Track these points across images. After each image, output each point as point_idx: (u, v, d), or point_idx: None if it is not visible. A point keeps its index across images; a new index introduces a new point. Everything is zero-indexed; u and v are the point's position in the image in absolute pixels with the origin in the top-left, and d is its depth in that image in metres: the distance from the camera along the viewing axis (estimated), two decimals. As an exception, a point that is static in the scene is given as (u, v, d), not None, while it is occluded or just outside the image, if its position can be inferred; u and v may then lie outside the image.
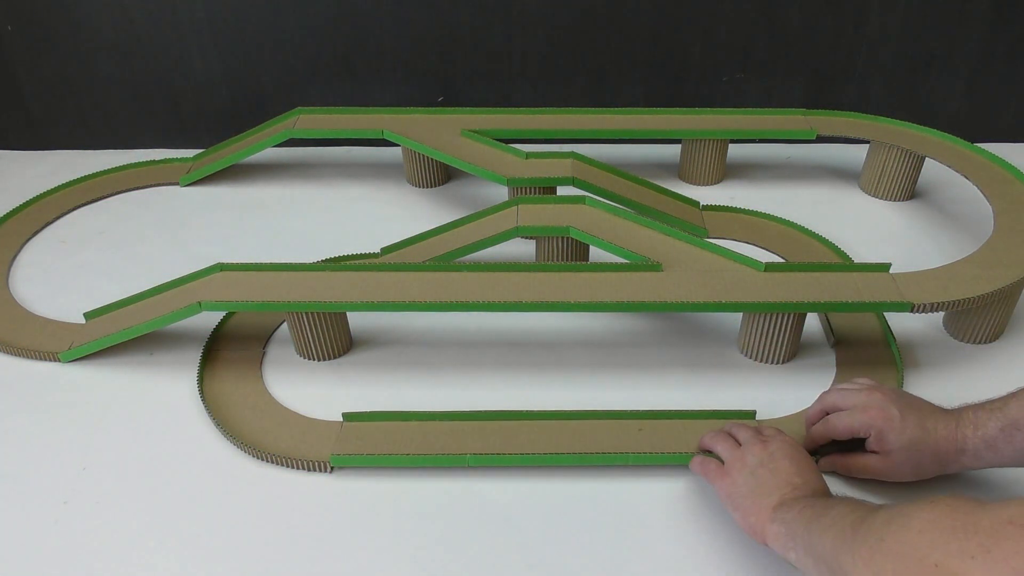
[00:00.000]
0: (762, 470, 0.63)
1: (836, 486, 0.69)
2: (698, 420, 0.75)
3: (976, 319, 0.86)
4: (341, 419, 0.76)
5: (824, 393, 0.72)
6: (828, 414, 0.70)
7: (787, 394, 0.80)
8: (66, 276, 1.00)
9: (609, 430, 0.74)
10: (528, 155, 1.06)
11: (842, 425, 0.68)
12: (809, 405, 0.78)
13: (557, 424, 0.75)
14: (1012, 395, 0.63)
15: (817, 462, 0.72)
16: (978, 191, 1.00)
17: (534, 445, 0.73)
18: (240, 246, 1.06)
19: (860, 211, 1.13)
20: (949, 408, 0.66)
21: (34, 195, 1.15)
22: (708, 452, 0.70)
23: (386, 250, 0.96)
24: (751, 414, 0.76)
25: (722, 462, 0.67)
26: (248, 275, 0.84)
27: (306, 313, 0.82)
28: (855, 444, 0.69)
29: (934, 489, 0.68)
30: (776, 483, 0.61)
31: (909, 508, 0.47)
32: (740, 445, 0.67)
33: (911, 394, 0.69)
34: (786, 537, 0.57)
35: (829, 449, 0.72)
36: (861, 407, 0.67)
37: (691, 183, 1.19)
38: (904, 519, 0.46)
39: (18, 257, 1.05)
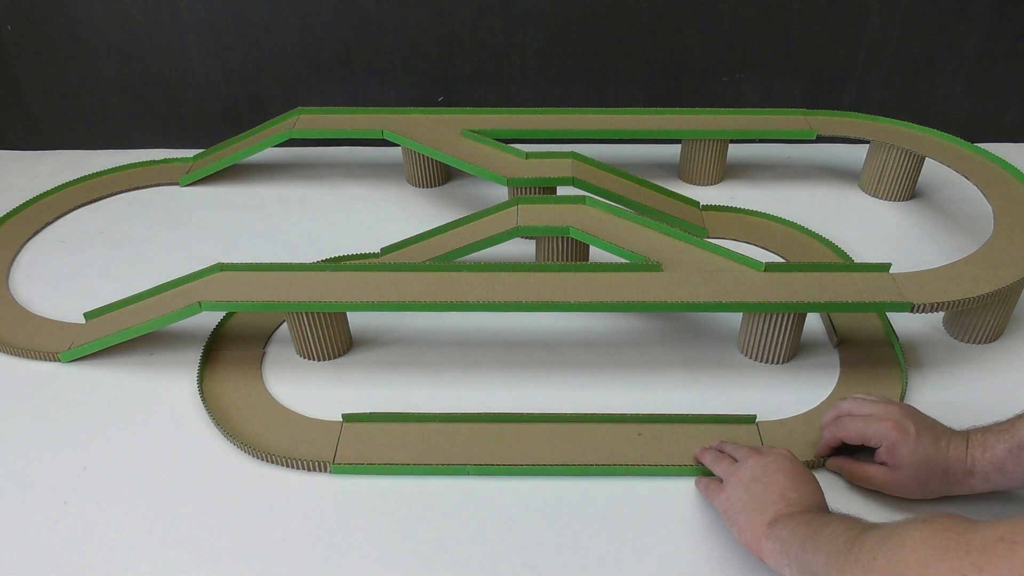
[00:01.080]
0: (756, 484, 0.63)
1: (838, 501, 0.69)
2: (698, 425, 0.75)
3: (976, 319, 0.86)
4: (341, 420, 0.76)
5: (840, 400, 0.72)
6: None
7: (787, 394, 0.80)
8: (66, 276, 1.00)
9: (608, 435, 0.74)
10: (528, 155, 1.06)
11: (854, 428, 0.68)
12: (809, 405, 0.79)
13: (557, 428, 0.75)
14: (1019, 417, 0.63)
15: (825, 463, 0.72)
16: (978, 191, 1.00)
17: (534, 452, 0.73)
18: (240, 246, 1.06)
19: (860, 211, 1.13)
20: (958, 430, 0.66)
21: (34, 195, 1.15)
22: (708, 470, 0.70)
23: (386, 250, 0.96)
24: (751, 418, 0.76)
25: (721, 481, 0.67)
26: (248, 275, 0.84)
27: (306, 313, 0.82)
28: (864, 456, 0.69)
29: (935, 507, 0.67)
30: (770, 498, 0.61)
31: (902, 527, 0.47)
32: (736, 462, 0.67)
33: (923, 413, 0.68)
34: (781, 554, 0.56)
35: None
36: (877, 416, 0.67)
37: (691, 183, 1.19)
38: (897, 538, 0.46)
39: (18, 257, 1.05)
